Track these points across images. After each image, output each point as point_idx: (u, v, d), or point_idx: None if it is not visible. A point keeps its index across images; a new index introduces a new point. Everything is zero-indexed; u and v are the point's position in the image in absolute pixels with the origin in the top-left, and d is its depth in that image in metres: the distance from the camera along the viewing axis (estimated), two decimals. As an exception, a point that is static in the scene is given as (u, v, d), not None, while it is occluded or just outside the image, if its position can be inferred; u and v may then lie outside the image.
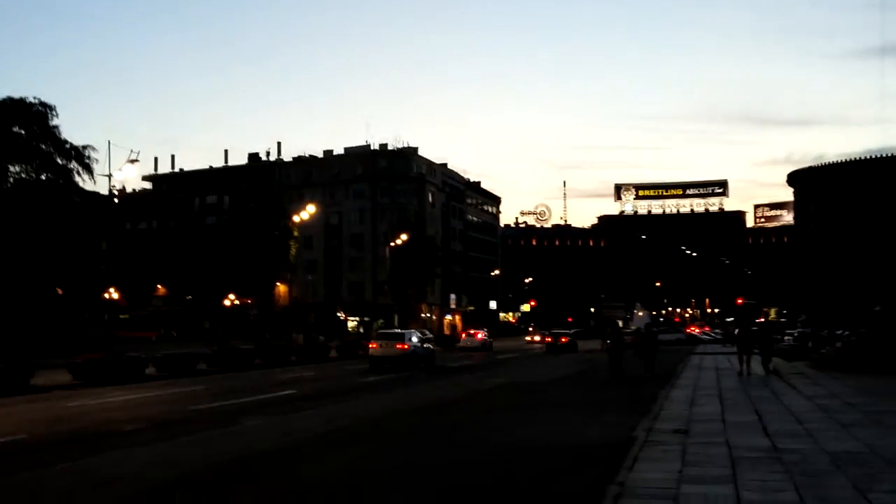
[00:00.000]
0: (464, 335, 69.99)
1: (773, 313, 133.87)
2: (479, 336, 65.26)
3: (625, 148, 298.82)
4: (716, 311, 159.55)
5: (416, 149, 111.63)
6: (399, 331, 43.32)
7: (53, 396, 23.89)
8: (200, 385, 27.72)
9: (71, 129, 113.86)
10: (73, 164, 48.32)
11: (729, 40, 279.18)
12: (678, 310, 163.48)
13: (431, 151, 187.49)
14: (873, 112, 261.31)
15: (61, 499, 9.77)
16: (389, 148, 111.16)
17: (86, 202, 53.94)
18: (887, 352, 25.69)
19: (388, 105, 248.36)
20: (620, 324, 67.55)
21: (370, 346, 39.78)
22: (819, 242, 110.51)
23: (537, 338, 77.68)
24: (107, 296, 58.62)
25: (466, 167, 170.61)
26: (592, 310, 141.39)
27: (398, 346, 37.51)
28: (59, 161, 48.04)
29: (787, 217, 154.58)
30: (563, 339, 60.42)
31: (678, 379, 26.26)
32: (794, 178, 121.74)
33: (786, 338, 57.42)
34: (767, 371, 27.40)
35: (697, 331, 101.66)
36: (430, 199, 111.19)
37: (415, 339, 39.52)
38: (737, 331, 29.96)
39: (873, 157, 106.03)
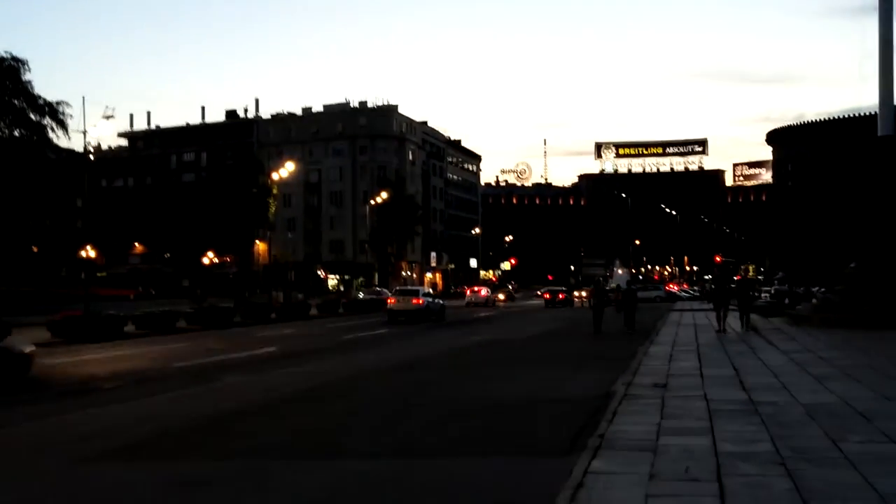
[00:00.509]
0: (469, 292, 73.79)
1: (751, 270, 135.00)
2: (483, 293, 70.16)
3: (606, 106, 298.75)
4: (695, 268, 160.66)
5: (396, 106, 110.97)
6: (415, 287, 50.50)
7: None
8: (180, 343, 27.71)
9: (44, 84, 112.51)
10: (47, 121, 47.56)
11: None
12: (657, 267, 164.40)
13: (412, 109, 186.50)
14: (853, 70, 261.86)
15: (42, 453, 9.76)
16: (369, 105, 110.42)
17: (60, 159, 53.21)
18: (862, 308, 25.96)
19: (369, 62, 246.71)
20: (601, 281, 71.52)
21: (388, 301, 43.48)
22: (796, 201, 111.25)
23: (501, 296, 79.30)
24: (83, 254, 58.09)
25: (447, 125, 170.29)
26: (573, 267, 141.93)
27: (414, 301, 41.43)
28: (32, 117, 47.28)
29: (766, 175, 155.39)
30: (561, 296, 67.52)
31: (657, 335, 26.45)
32: (773, 137, 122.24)
33: (763, 294, 57.99)
34: (745, 328, 27.22)
35: (676, 288, 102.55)
36: (411, 157, 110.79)
37: (428, 295, 43.98)
38: (713, 288, 29.77)
39: (851, 115, 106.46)
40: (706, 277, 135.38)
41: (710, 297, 28.59)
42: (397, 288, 51.62)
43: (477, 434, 10.56)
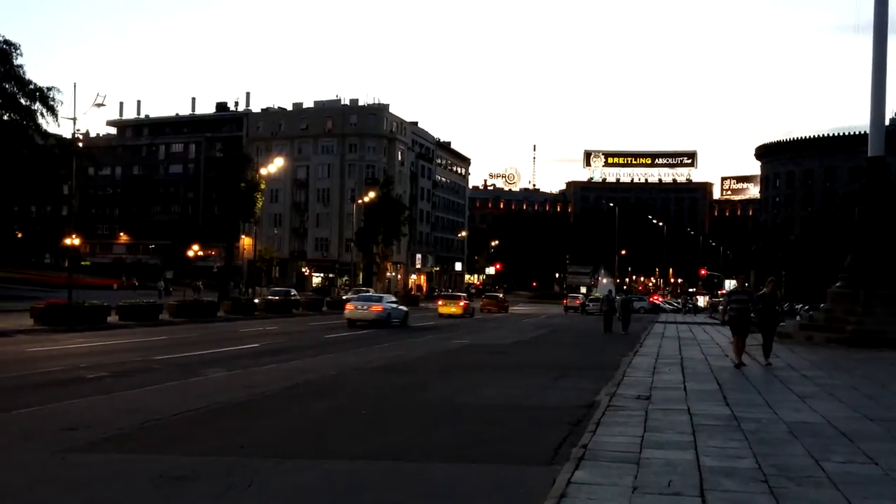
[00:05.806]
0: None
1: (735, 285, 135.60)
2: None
3: (596, 114, 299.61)
4: (679, 280, 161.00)
5: (386, 105, 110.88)
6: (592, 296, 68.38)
7: (14, 341, 23.69)
8: (163, 335, 27.62)
9: (35, 69, 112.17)
10: (38, 106, 47.40)
11: (705, 11, 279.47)
12: (642, 278, 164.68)
13: (402, 109, 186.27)
14: (846, 90, 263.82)
15: (26, 443, 9.71)
16: (360, 104, 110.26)
17: (49, 145, 52.93)
18: (846, 328, 26.12)
19: (361, 60, 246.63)
20: (583, 290, 75.30)
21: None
22: (782, 217, 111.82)
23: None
24: (68, 241, 57.86)
25: (437, 126, 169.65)
26: (557, 275, 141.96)
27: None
28: (22, 102, 47.11)
29: (754, 190, 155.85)
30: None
31: (641, 346, 26.53)
32: (762, 152, 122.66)
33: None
34: (768, 358, 19.98)
35: (660, 300, 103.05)
36: (400, 157, 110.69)
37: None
38: (729, 305, 19.80)
39: (841, 134, 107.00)
40: (690, 290, 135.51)
41: (728, 318, 20.01)
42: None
43: (460, 439, 10.59)
